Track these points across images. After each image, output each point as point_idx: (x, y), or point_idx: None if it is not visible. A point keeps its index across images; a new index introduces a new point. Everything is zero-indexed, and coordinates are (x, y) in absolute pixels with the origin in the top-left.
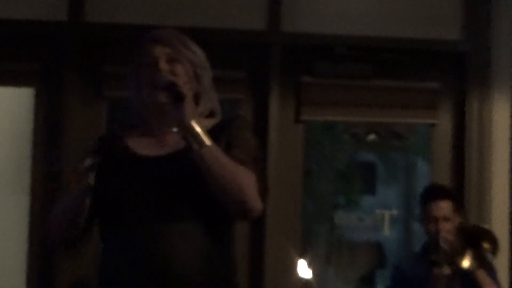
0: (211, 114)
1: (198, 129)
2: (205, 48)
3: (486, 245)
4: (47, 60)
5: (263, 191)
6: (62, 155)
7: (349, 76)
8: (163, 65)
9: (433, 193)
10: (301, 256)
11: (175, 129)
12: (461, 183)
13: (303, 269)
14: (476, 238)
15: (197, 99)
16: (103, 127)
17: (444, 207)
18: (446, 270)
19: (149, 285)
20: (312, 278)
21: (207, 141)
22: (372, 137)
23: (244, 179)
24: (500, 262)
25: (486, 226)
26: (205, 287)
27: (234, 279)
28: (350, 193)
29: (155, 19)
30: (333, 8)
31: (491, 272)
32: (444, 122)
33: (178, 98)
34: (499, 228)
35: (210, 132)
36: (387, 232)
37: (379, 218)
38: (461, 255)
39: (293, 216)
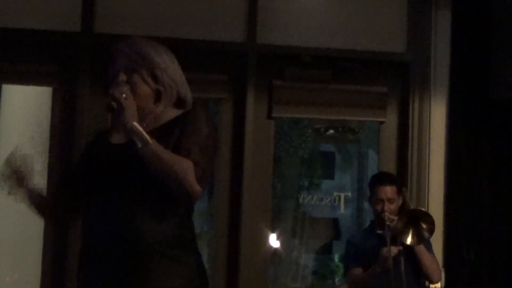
0: (181, 102)
1: (139, 129)
2: (195, 56)
3: (424, 225)
4: (63, 63)
5: (202, 176)
6: (75, 142)
7: (312, 81)
8: (122, 77)
9: (380, 178)
10: (272, 229)
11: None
12: (404, 171)
13: (273, 240)
14: (416, 219)
15: (158, 96)
16: (108, 119)
17: (389, 190)
18: (393, 250)
19: (112, 250)
20: (280, 247)
21: (148, 139)
22: (331, 131)
23: (181, 169)
24: (435, 239)
25: (424, 209)
26: (155, 251)
27: (189, 245)
28: (312, 178)
29: (154, 31)
30: (300, 25)
31: (429, 246)
32: (390, 120)
33: (118, 109)
34: (434, 208)
35: (170, 122)
36: (343, 210)
37: (336, 198)
38: (405, 233)
39: (265, 196)
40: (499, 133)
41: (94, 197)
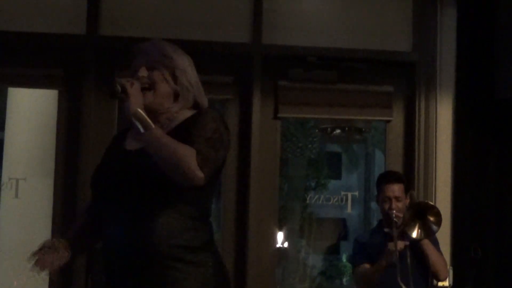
0: (196, 106)
1: (143, 115)
2: (201, 57)
3: (431, 218)
4: (69, 67)
5: (202, 163)
6: (81, 145)
7: (318, 81)
8: (142, 72)
9: (387, 177)
10: (279, 229)
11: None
12: (411, 170)
13: (281, 241)
14: (423, 211)
15: (176, 96)
16: (114, 122)
17: (396, 189)
18: (400, 244)
19: (126, 256)
20: (287, 247)
21: (151, 125)
22: (337, 131)
23: (183, 154)
24: (443, 238)
25: (428, 201)
26: (170, 256)
27: (204, 247)
28: (319, 178)
29: (160, 33)
30: (305, 25)
31: (436, 244)
32: (397, 119)
33: (123, 93)
34: (441, 207)
35: (185, 121)
36: (350, 210)
37: (343, 198)
38: (411, 227)
39: (272, 196)
40: (505, 132)
41: (109, 203)
